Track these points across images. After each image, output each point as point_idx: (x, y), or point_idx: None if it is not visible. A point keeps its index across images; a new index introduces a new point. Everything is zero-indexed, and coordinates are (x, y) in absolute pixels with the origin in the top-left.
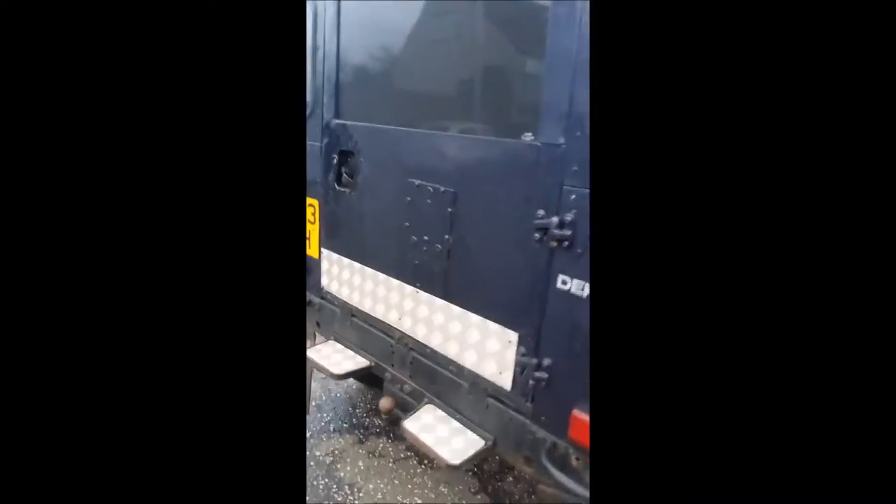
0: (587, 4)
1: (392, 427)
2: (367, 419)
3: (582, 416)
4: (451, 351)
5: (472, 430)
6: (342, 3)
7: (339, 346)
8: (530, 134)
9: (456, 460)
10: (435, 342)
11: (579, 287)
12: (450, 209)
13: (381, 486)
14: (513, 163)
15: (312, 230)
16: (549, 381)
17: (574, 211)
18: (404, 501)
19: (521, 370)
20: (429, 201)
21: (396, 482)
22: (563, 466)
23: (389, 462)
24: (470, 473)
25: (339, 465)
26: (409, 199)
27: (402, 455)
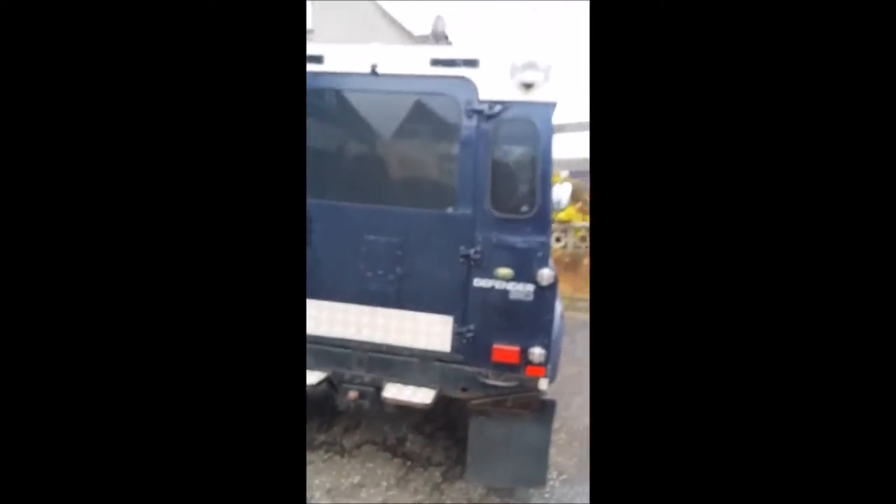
0: (486, 128)
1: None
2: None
3: (499, 346)
4: (404, 341)
5: (424, 386)
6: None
7: None
8: (451, 208)
9: (427, 400)
10: (390, 340)
11: (485, 283)
12: (399, 252)
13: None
14: (443, 223)
15: None
16: (474, 338)
17: (479, 245)
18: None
19: (457, 337)
20: (381, 249)
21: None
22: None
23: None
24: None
25: None
26: (364, 249)
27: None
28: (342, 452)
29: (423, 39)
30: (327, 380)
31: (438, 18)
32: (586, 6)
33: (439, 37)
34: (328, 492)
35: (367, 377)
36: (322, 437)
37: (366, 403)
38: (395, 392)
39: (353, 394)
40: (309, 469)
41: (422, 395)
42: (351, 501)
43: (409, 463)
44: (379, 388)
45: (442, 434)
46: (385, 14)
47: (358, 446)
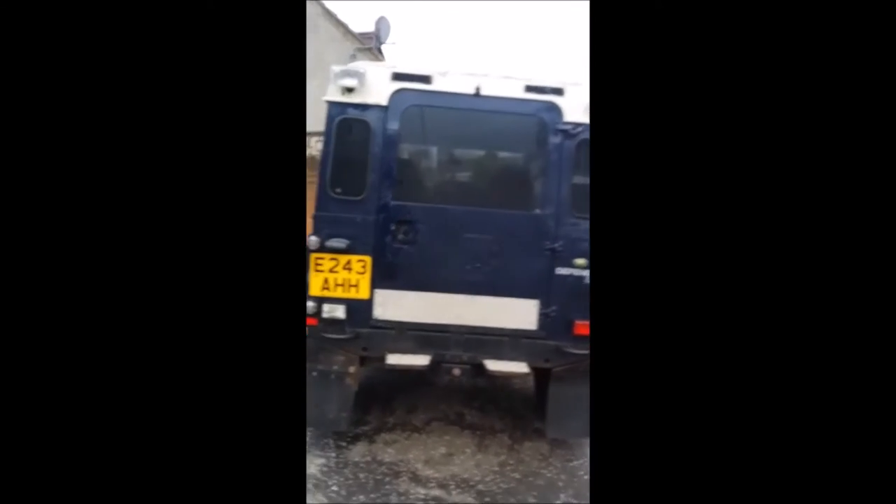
0: (568, 145)
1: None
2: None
3: (579, 322)
4: (497, 323)
5: (514, 360)
6: (392, 123)
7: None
8: (538, 209)
9: (525, 370)
10: (485, 322)
11: (566, 272)
12: (494, 247)
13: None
14: (532, 222)
15: (362, 279)
16: (556, 317)
17: (562, 240)
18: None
19: (542, 317)
20: (478, 245)
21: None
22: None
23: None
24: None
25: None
26: (464, 245)
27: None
28: (417, 430)
29: (365, 38)
30: (433, 361)
31: (381, 20)
32: (586, 6)
33: (381, 37)
34: (426, 462)
35: (465, 356)
36: (392, 420)
37: (463, 378)
38: (497, 366)
39: (456, 371)
40: (397, 447)
41: (519, 367)
42: (451, 468)
43: (478, 432)
44: (475, 365)
45: (490, 406)
46: (327, 12)
47: (427, 423)
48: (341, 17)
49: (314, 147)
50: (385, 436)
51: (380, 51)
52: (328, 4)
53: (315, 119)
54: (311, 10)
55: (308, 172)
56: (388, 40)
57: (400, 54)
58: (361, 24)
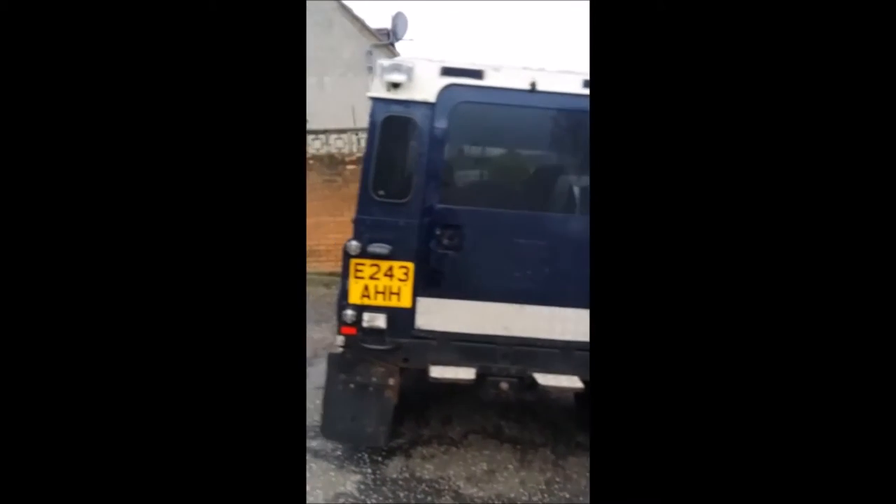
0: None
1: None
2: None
3: None
4: (549, 334)
5: (565, 374)
6: (440, 120)
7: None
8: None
9: (579, 385)
10: (537, 334)
11: None
12: (546, 253)
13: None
14: (586, 227)
15: (404, 286)
16: None
17: None
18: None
19: None
20: (529, 251)
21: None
22: None
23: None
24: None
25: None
26: (514, 251)
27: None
28: (455, 444)
29: (381, 34)
30: (479, 375)
31: (398, 15)
32: (586, 6)
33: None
34: (468, 479)
35: (513, 369)
36: (427, 432)
37: (511, 393)
38: (549, 380)
39: (504, 385)
40: (435, 462)
41: (571, 381)
42: (495, 486)
43: (518, 447)
44: (522, 379)
45: (528, 418)
46: (343, 8)
47: (464, 436)
48: (357, 12)
49: (332, 145)
50: (422, 450)
51: (394, 47)
52: (344, 1)
53: (331, 117)
54: (327, 6)
55: (327, 172)
56: (406, 37)
57: (417, 51)
58: (378, 20)
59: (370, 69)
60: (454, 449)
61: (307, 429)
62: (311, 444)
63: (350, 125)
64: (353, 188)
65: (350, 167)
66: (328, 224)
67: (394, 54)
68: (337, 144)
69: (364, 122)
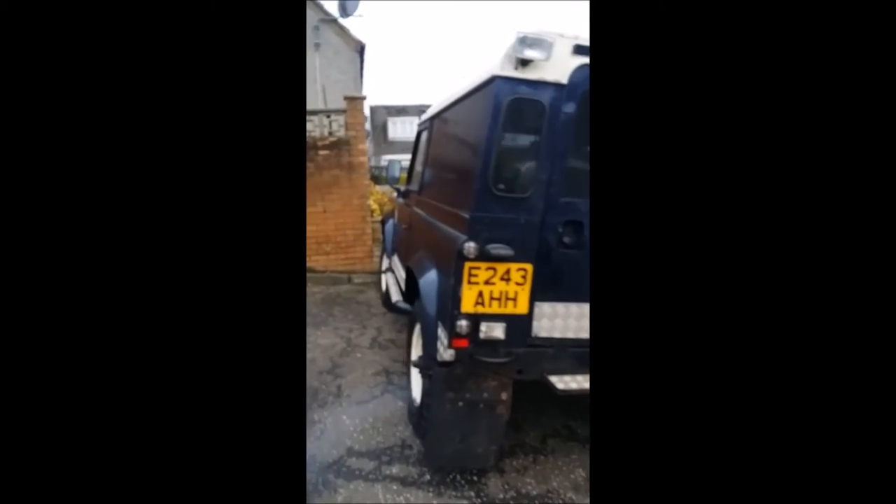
0: None
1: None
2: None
3: None
4: None
5: None
6: (569, 104)
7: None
8: None
9: None
10: None
11: None
12: None
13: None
14: None
15: (521, 291)
16: None
17: None
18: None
19: None
20: None
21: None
22: None
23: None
24: None
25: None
26: None
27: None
28: (537, 450)
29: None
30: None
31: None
32: (586, 6)
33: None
34: (576, 490)
35: None
36: (505, 442)
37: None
38: None
39: None
40: (531, 474)
41: None
42: None
43: None
44: None
45: (587, 414)
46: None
47: (542, 441)
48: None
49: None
50: (510, 462)
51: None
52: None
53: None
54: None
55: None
56: (356, 12)
57: (365, 28)
58: None
59: (319, 46)
60: (542, 457)
61: (379, 453)
62: (391, 470)
63: (320, 106)
64: (328, 176)
65: (323, 153)
66: None
67: (343, 31)
68: (307, 128)
69: (336, 103)
